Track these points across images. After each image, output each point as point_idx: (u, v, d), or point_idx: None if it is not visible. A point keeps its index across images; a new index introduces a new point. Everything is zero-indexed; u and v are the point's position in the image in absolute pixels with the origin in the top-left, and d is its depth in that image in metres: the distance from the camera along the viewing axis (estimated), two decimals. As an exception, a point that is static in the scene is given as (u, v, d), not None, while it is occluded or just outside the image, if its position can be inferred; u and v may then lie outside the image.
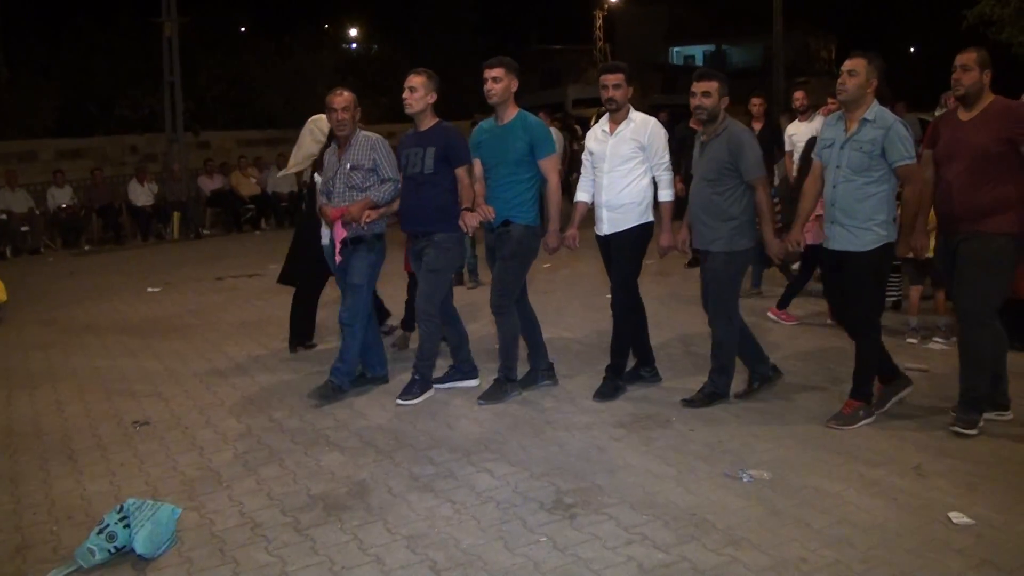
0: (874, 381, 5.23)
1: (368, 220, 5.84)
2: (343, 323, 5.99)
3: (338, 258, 5.96)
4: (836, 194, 5.01)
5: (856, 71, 4.91)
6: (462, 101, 26.13)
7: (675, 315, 8.03)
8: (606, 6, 47.77)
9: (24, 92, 21.53)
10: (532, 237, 5.77)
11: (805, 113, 9.47)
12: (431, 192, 5.74)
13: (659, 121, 5.75)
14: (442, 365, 6.24)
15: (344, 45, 39.33)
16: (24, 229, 15.34)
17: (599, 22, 47.56)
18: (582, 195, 6.00)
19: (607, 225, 5.75)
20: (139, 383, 6.71)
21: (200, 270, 12.52)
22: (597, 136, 5.83)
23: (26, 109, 20.93)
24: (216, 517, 4.28)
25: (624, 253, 5.75)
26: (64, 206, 16.07)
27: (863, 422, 5.10)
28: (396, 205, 6.00)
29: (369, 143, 5.92)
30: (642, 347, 6.04)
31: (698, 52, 53.91)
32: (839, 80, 4.96)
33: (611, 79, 5.62)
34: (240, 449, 5.20)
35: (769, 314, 7.66)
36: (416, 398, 5.90)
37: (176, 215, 17.60)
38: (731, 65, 51.14)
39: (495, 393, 5.86)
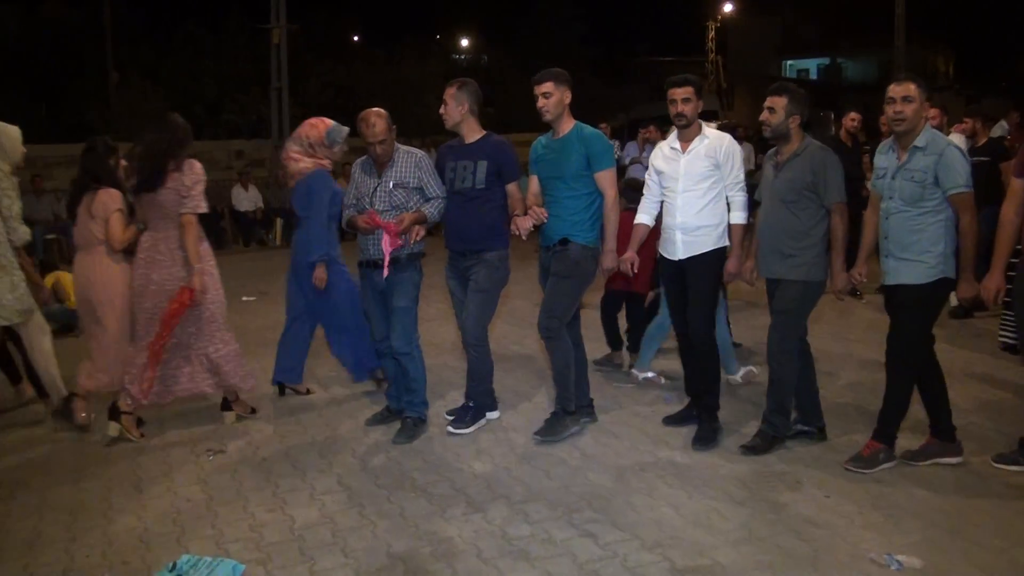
0: (900, 424, 4.80)
1: (418, 237, 5.40)
2: (399, 352, 5.52)
3: (386, 272, 5.41)
4: (889, 226, 4.68)
5: (911, 96, 4.55)
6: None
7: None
8: (719, 17, 46.72)
9: (133, 95, 21.85)
10: (591, 258, 5.32)
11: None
12: (482, 208, 5.38)
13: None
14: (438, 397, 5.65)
15: (454, 55, 39.46)
16: (129, 230, 15.32)
17: (711, 33, 46.52)
18: (643, 217, 5.52)
19: (682, 249, 5.26)
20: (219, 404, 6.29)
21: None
22: (666, 154, 5.38)
23: (134, 112, 21.20)
24: (282, 574, 3.79)
25: (704, 279, 5.26)
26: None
27: (883, 466, 4.70)
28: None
29: (414, 160, 5.46)
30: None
31: (812, 65, 52.50)
32: (895, 108, 4.57)
33: (680, 93, 5.18)
34: (318, 489, 4.70)
35: None
36: (469, 427, 5.53)
37: (279, 221, 17.49)
38: (846, 79, 49.58)
39: (553, 428, 5.37)
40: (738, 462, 4.91)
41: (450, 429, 5.51)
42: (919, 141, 4.54)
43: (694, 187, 5.21)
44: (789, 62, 52.52)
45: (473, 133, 5.46)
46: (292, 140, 6.24)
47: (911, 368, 4.74)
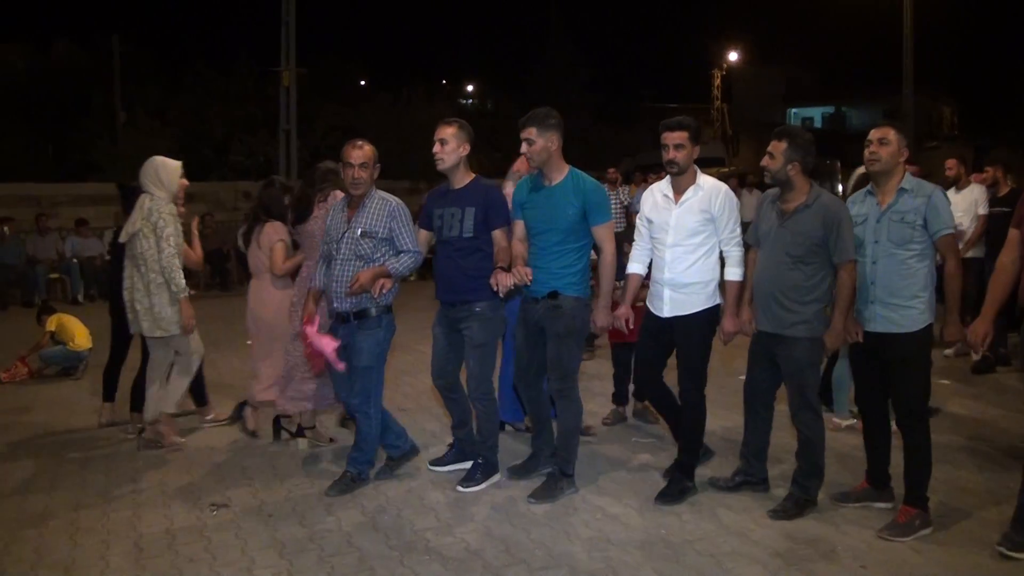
0: (929, 482, 4.60)
1: (383, 291, 5.08)
2: (356, 410, 5.30)
3: (340, 365, 5.12)
4: (876, 271, 4.57)
5: (888, 140, 4.55)
6: (571, 157, 25.65)
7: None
8: (724, 65, 47.01)
9: (140, 135, 21.84)
10: (584, 309, 5.06)
11: (960, 183, 8.60)
12: (471, 258, 5.13)
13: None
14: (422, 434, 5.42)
15: (460, 100, 39.71)
16: (131, 271, 15.21)
17: (717, 81, 46.77)
18: (635, 266, 5.29)
19: (668, 306, 5.01)
20: (223, 453, 6.10)
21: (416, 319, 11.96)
22: (657, 201, 5.10)
23: (141, 152, 21.14)
24: (290, 647, 3.56)
25: (692, 340, 5.00)
26: (172, 250, 15.90)
27: (921, 532, 4.47)
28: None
29: (387, 208, 5.17)
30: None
31: (816, 114, 52.73)
32: (870, 150, 4.59)
33: (673, 138, 4.90)
34: (327, 551, 4.46)
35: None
36: (479, 484, 5.29)
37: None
38: (851, 127, 49.73)
39: (548, 491, 5.11)
40: (768, 527, 4.68)
41: (460, 488, 5.27)
42: (905, 184, 4.53)
43: (684, 241, 4.94)
44: (794, 110, 52.74)
45: (463, 178, 5.23)
46: (509, 177, 6.08)
47: (925, 420, 4.58)
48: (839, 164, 19.01)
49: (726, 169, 21.55)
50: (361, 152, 5.12)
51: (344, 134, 26.36)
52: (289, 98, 20.26)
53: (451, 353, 5.35)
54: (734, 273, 4.98)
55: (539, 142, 4.94)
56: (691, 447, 5.16)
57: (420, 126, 26.09)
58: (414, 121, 26.85)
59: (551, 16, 39.77)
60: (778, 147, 4.70)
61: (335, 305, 5.20)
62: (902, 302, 4.49)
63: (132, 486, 5.50)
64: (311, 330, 5.17)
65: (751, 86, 48.62)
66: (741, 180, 18.44)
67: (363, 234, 5.11)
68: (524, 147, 4.98)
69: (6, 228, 14.16)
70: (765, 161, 4.77)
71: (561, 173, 5.04)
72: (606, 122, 36.93)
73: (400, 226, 5.17)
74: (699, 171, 5.01)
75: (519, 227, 5.17)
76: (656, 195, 5.12)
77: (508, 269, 4.75)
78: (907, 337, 4.50)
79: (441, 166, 5.17)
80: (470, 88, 42.87)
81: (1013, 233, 4.51)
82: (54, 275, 14.47)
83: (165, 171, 6.11)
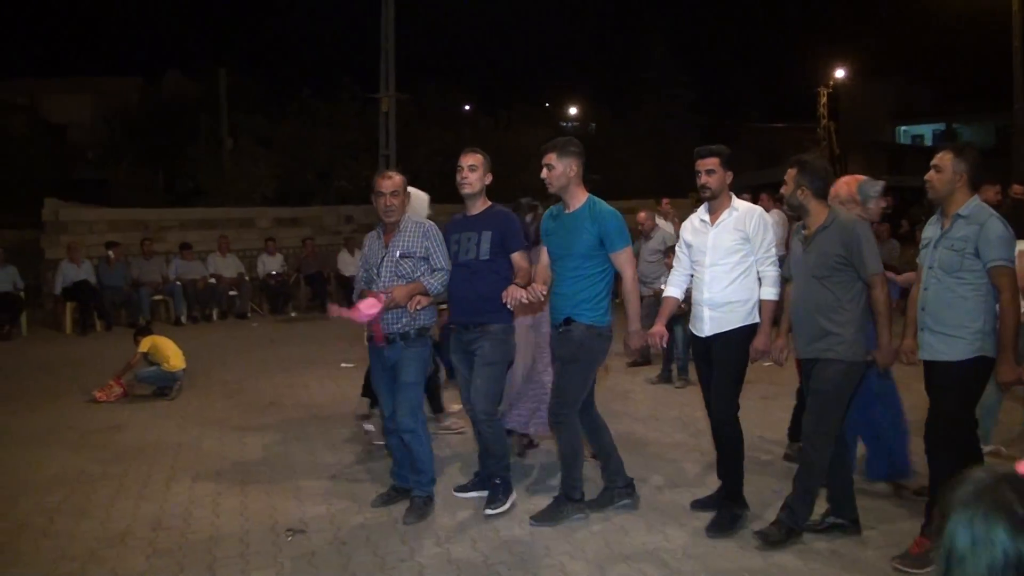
0: None
1: (419, 307, 5.09)
2: (405, 429, 5.27)
3: (379, 338, 5.21)
4: (927, 297, 4.47)
5: (941, 167, 4.41)
6: (674, 181, 25.29)
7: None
8: (831, 83, 45.89)
9: (246, 161, 22.40)
10: (596, 338, 5.03)
11: None
12: (486, 280, 5.18)
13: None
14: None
15: (562, 123, 39.75)
16: (232, 293, 15.53)
17: (823, 99, 45.66)
18: (673, 290, 5.35)
19: (709, 325, 5.01)
20: (306, 478, 6.06)
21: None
22: (695, 226, 5.20)
23: (247, 178, 21.70)
24: None
25: (729, 356, 4.94)
26: (274, 273, 16.22)
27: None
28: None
29: (422, 230, 5.31)
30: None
31: (927, 131, 51.02)
32: (926, 176, 4.47)
33: (704, 164, 5.03)
34: (396, 582, 4.36)
35: None
36: (503, 505, 5.28)
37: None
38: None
39: (552, 514, 5.09)
40: (755, 558, 4.41)
41: (488, 512, 5.23)
42: (963, 210, 4.34)
43: (722, 261, 4.99)
44: (903, 128, 51.16)
45: (480, 204, 5.37)
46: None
47: (953, 452, 4.30)
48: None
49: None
50: (391, 182, 5.28)
51: (445, 159, 26.71)
52: (389, 123, 20.51)
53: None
54: (769, 293, 4.98)
55: (558, 168, 5.04)
56: (732, 473, 5.07)
57: (521, 149, 26.21)
58: (515, 144, 26.94)
59: (654, 38, 39.55)
60: (790, 174, 4.74)
61: (383, 327, 5.22)
62: (948, 331, 4.34)
63: (213, 507, 5.51)
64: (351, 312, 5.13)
65: (859, 103, 47.32)
66: (847, 200, 17.80)
67: (402, 256, 5.25)
68: (544, 172, 5.07)
69: (111, 252, 14.63)
70: (783, 189, 4.82)
71: (579, 200, 5.12)
72: (712, 144, 36.47)
73: (434, 245, 5.29)
74: (734, 196, 5.09)
75: (544, 254, 5.29)
76: (694, 221, 5.22)
77: (524, 287, 4.81)
78: (948, 366, 4.33)
79: (469, 191, 5.29)
80: (573, 111, 42.83)
81: None
82: (158, 297, 14.87)
83: (418, 202, 6.21)
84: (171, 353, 8.79)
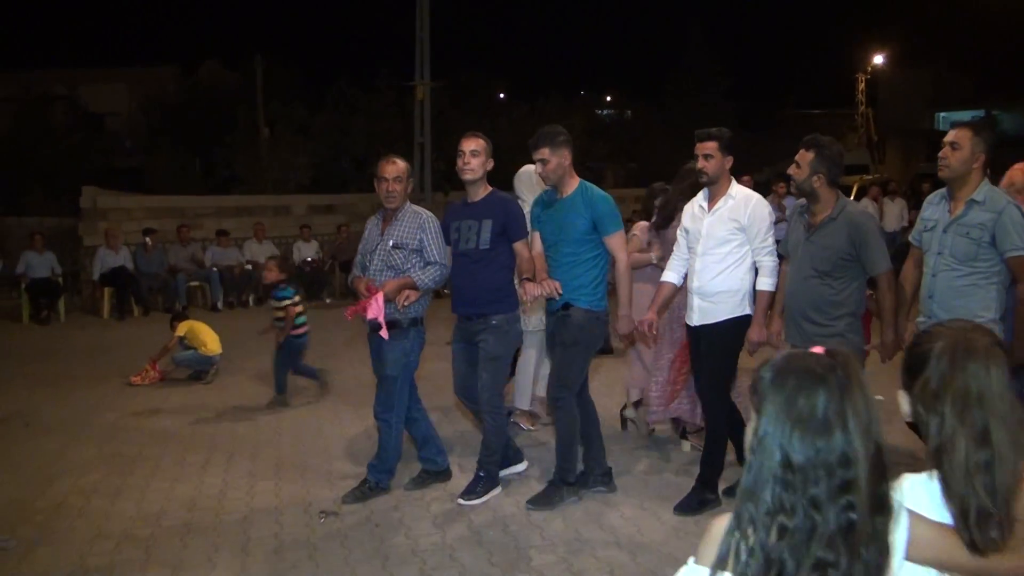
0: None
1: (407, 303, 5.05)
2: (377, 417, 5.31)
3: (384, 333, 5.09)
4: (935, 284, 4.33)
5: (959, 144, 4.21)
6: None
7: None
8: (869, 69, 45.27)
9: (282, 150, 22.52)
10: (595, 322, 5.04)
11: None
12: (488, 270, 5.13)
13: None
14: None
15: (597, 111, 39.51)
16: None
17: (861, 85, 45.07)
18: (670, 275, 5.25)
19: (697, 315, 4.95)
20: (340, 461, 6.08)
21: (433, 332, 12.00)
22: (695, 212, 5.09)
23: (283, 166, 21.82)
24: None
25: (715, 349, 4.87)
26: (309, 259, 16.29)
27: None
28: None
29: (418, 221, 5.21)
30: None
31: (966, 117, 50.09)
32: (941, 153, 4.28)
33: (702, 148, 4.91)
34: (428, 564, 4.35)
35: None
36: (479, 497, 5.19)
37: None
38: (1002, 131, 47.18)
39: (548, 498, 5.08)
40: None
41: (460, 501, 5.18)
42: (977, 195, 4.18)
43: (713, 250, 4.91)
44: (942, 114, 50.34)
45: (482, 191, 5.22)
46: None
47: None
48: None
49: (869, 177, 20.59)
50: (395, 167, 5.19)
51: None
52: (423, 112, 20.52)
53: (471, 369, 5.28)
54: (766, 283, 4.88)
55: (553, 160, 4.99)
56: (712, 460, 5.03)
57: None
58: (551, 133, 26.87)
59: (690, 24, 39.22)
60: (805, 157, 4.53)
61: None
62: None
63: (247, 489, 5.54)
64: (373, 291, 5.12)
65: (897, 90, 46.65)
66: (883, 188, 17.52)
67: (395, 246, 5.18)
68: (539, 167, 5.03)
69: (148, 239, 14.77)
70: (791, 170, 4.63)
71: (571, 186, 5.09)
72: (747, 130, 36.08)
73: (429, 238, 5.19)
74: (734, 181, 4.98)
75: (536, 240, 5.23)
76: (694, 206, 5.12)
77: (533, 279, 4.88)
78: None
79: (471, 177, 5.15)
80: (608, 98, 42.60)
81: None
82: (194, 283, 14.99)
83: (528, 178, 6.26)
84: (207, 338, 8.85)
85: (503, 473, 5.46)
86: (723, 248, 4.88)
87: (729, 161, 4.92)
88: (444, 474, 5.56)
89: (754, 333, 4.84)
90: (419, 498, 5.31)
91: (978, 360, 1.72)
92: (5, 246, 15.20)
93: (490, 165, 5.19)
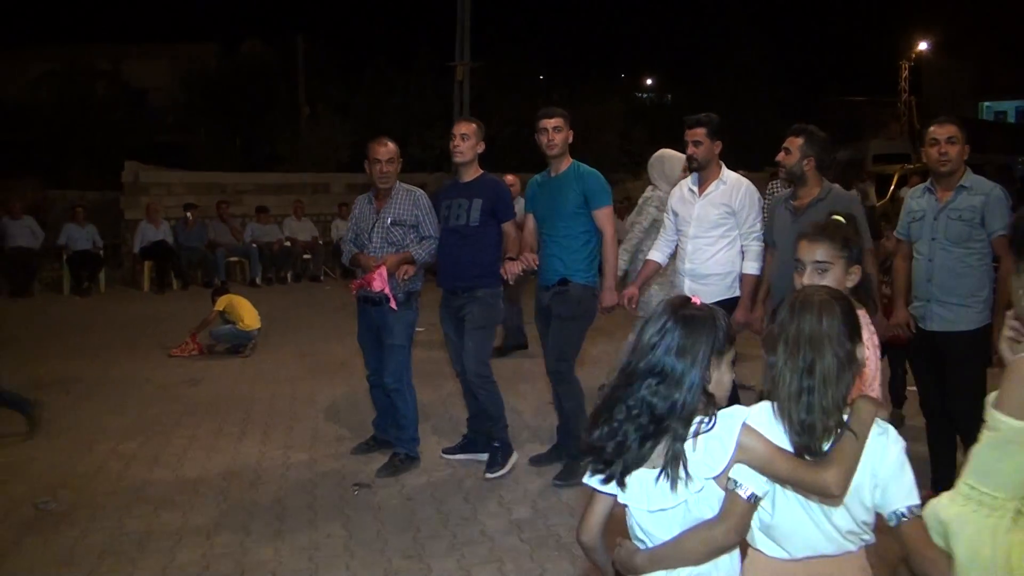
0: None
1: (406, 276, 5.26)
2: (389, 388, 5.44)
3: (394, 304, 5.25)
4: (933, 268, 4.49)
5: (956, 138, 4.44)
6: (751, 154, 24.87)
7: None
8: (913, 56, 44.56)
9: (322, 128, 22.60)
10: (592, 297, 5.25)
11: None
12: (475, 247, 5.29)
13: None
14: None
15: (638, 94, 39.24)
16: (306, 257, 15.77)
17: (904, 73, 44.38)
18: (656, 255, 5.44)
19: (689, 295, 4.76)
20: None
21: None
22: (684, 196, 5.27)
23: (323, 144, 21.91)
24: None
25: None
26: (347, 237, 16.39)
27: None
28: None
29: (412, 198, 5.44)
30: None
31: (1010, 108, 49.37)
32: (940, 150, 4.44)
33: (691, 135, 5.09)
34: (459, 538, 4.41)
35: None
36: (502, 467, 5.31)
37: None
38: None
39: (571, 472, 5.04)
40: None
41: (487, 475, 5.28)
42: (965, 181, 4.43)
43: (705, 234, 5.07)
44: (986, 104, 49.56)
45: (473, 172, 5.38)
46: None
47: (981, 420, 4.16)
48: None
49: (911, 166, 20.25)
50: (386, 149, 5.37)
51: (518, 128, 26.62)
52: (463, 92, 20.50)
53: (462, 341, 5.39)
54: (751, 267, 5.01)
55: (564, 132, 5.19)
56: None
57: (593, 121, 25.99)
58: (590, 116, 26.68)
59: (733, 9, 38.75)
60: (795, 143, 4.67)
61: (370, 291, 5.32)
62: (958, 300, 4.41)
63: (283, 460, 5.62)
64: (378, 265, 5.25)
65: (941, 78, 45.91)
66: (924, 177, 17.27)
67: (393, 223, 5.37)
68: (551, 135, 5.16)
69: (189, 214, 14.94)
70: (781, 156, 4.75)
71: (565, 164, 5.25)
72: (788, 117, 35.67)
73: (424, 213, 5.41)
74: (723, 166, 5.13)
75: (529, 220, 5.44)
76: (683, 189, 5.29)
77: (516, 258, 5.08)
78: (962, 336, 4.40)
79: (461, 159, 5.33)
80: (649, 82, 42.25)
81: None
82: (233, 258, 15.14)
83: (670, 164, 6.37)
84: (246, 313, 8.96)
85: (466, 457, 5.57)
86: (715, 231, 5.04)
87: (718, 146, 5.07)
88: (389, 444, 5.68)
89: (740, 315, 4.93)
90: (452, 473, 5.37)
91: (812, 311, 2.15)
92: (48, 218, 15.43)
93: (480, 148, 5.34)
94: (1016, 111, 49.24)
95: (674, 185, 5.87)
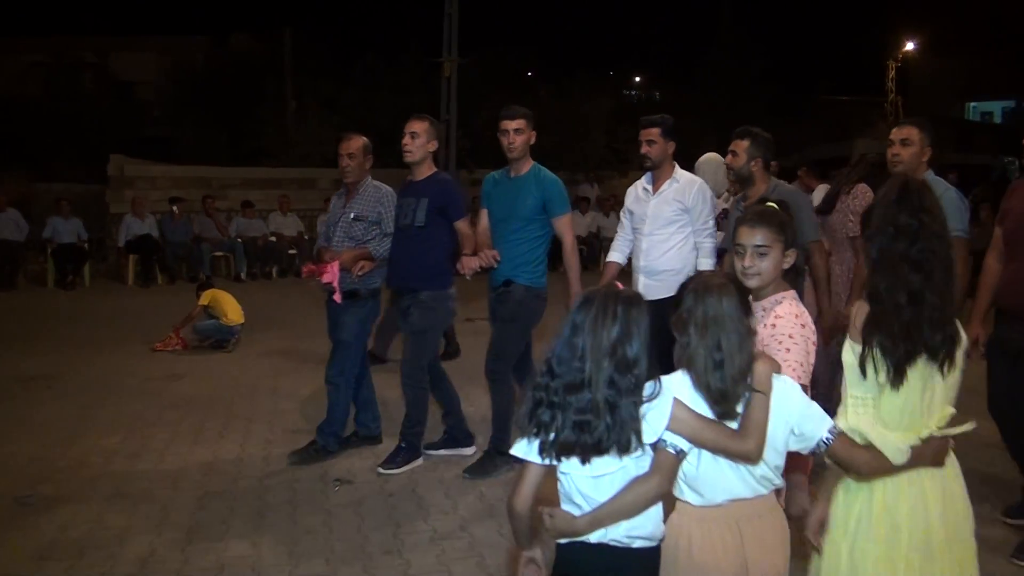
0: None
1: (361, 272, 5.28)
2: (329, 380, 5.53)
3: (338, 298, 5.36)
4: None
5: (910, 140, 4.53)
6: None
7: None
8: (900, 56, 44.75)
9: (309, 124, 22.55)
10: (534, 299, 5.24)
11: None
12: (421, 247, 5.27)
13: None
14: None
15: (626, 92, 39.24)
16: (292, 252, 15.73)
17: (891, 73, 44.57)
18: (615, 255, 5.50)
19: (644, 292, 4.88)
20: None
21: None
22: (639, 195, 5.36)
23: (309, 140, 21.85)
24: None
25: (663, 324, 4.82)
26: (333, 233, 16.37)
27: None
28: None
29: (377, 195, 5.47)
30: None
31: (997, 108, 49.67)
32: (892, 151, 4.56)
33: (645, 134, 5.18)
34: (439, 532, 4.44)
35: None
36: (399, 467, 5.31)
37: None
38: (1033, 123, 46.62)
39: (484, 467, 5.25)
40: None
41: (380, 470, 5.30)
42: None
43: (659, 231, 5.15)
44: (973, 104, 49.82)
45: (424, 171, 5.37)
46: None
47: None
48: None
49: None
50: (348, 144, 5.46)
51: (504, 125, 26.70)
52: (451, 88, 20.50)
53: None
54: (706, 263, 5.10)
55: (526, 134, 5.16)
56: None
57: (582, 119, 25.99)
58: (578, 113, 26.66)
59: (722, 6, 38.80)
60: (741, 145, 4.74)
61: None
62: None
63: (264, 455, 5.62)
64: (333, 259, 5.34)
65: (928, 78, 46.09)
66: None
67: (355, 218, 5.41)
68: (512, 137, 5.13)
69: (175, 208, 14.90)
70: (728, 159, 4.86)
71: (526, 167, 5.24)
72: (777, 115, 35.68)
73: (387, 210, 5.41)
74: (677, 166, 5.23)
75: (483, 217, 5.40)
76: (638, 188, 5.35)
77: (474, 255, 5.05)
78: None
79: (410, 158, 5.33)
80: (637, 79, 42.27)
81: (997, 232, 4.44)
82: (219, 253, 15.11)
83: (723, 173, 6.18)
84: (230, 308, 8.95)
85: (449, 453, 5.60)
86: (668, 228, 5.14)
87: (671, 146, 5.18)
88: (375, 439, 5.78)
89: None
90: (432, 469, 5.38)
91: (713, 294, 2.40)
92: (32, 211, 15.37)
93: (432, 147, 5.35)
94: (1003, 111, 49.53)
95: (719, 193, 6.03)
